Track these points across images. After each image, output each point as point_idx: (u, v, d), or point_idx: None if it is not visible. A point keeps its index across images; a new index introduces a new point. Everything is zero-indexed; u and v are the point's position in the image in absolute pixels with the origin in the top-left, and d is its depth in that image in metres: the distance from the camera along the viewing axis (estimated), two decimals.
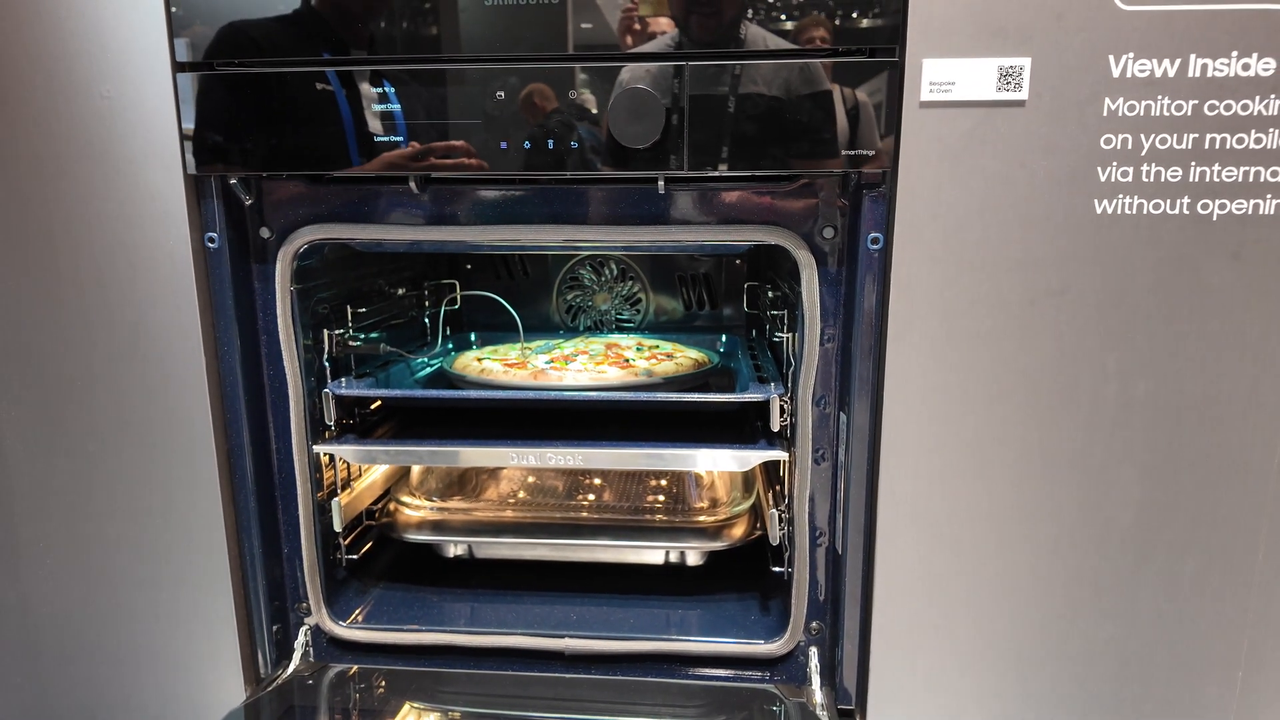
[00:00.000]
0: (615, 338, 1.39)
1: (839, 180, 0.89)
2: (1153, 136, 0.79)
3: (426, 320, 1.40)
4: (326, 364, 1.06)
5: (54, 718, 1.05)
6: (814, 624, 1.00)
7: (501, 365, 1.15)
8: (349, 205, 0.95)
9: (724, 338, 1.43)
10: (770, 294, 1.28)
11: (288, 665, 1.04)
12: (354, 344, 1.12)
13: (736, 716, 0.97)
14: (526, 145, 0.86)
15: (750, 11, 0.81)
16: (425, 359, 1.29)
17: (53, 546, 1.00)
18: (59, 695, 1.04)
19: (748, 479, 1.25)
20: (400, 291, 1.32)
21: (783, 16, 0.81)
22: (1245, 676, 0.91)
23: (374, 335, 1.19)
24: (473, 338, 1.46)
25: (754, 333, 1.44)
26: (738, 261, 1.46)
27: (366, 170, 0.88)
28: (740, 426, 1.10)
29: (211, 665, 1.02)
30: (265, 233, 0.96)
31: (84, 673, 1.03)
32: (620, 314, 1.50)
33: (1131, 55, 0.78)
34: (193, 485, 0.97)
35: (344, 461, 1.12)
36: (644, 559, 1.16)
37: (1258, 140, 0.79)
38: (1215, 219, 0.81)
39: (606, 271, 1.48)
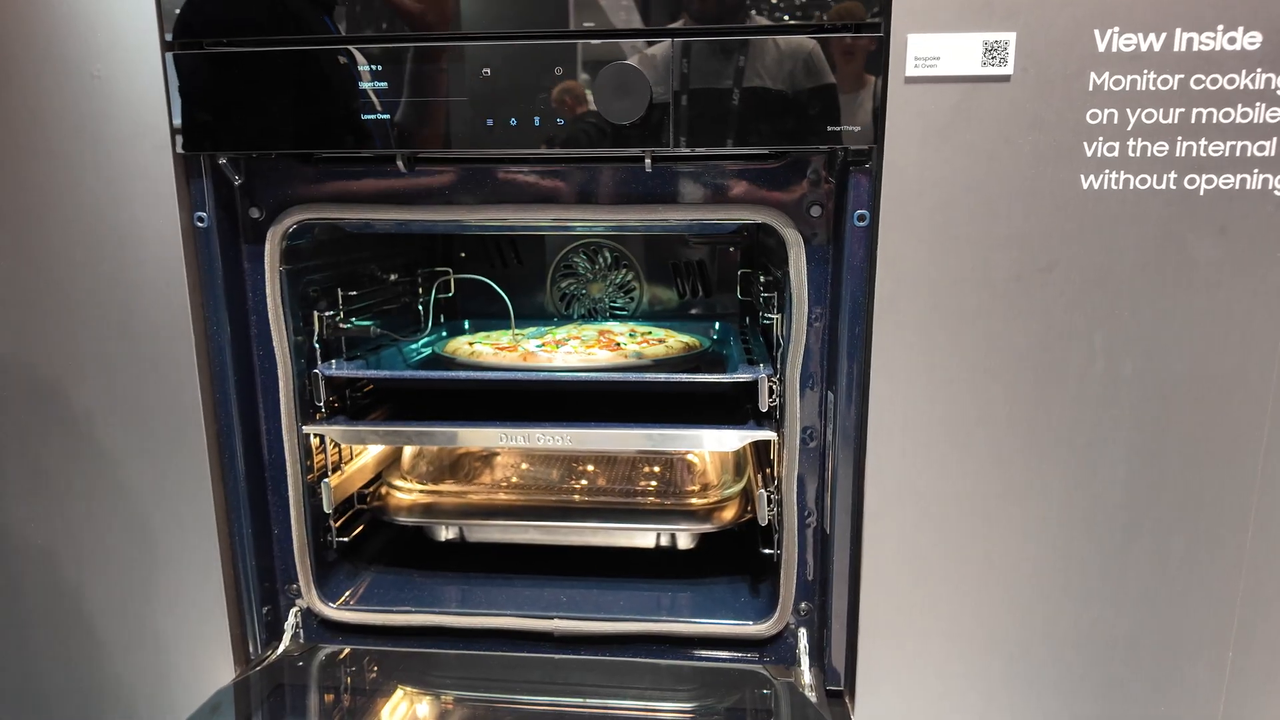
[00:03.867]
0: (608, 325, 1.39)
1: (825, 157, 0.89)
2: (1139, 111, 0.79)
3: (420, 307, 1.41)
4: (317, 346, 1.06)
5: (44, 697, 1.05)
6: (803, 605, 1.00)
7: (493, 349, 1.15)
8: (338, 185, 0.96)
9: (717, 325, 1.43)
10: (762, 279, 1.28)
11: (278, 646, 1.05)
12: (345, 327, 1.12)
13: (726, 697, 0.97)
14: (512, 123, 0.86)
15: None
16: (417, 345, 1.29)
17: (43, 527, 1.01)
18: (49, 675, 1.05)
19: (739, 463, 1.25)
20: (393, 277, 1.32)
21: None
22: (1235, 657, 0.90)
23: (365, 320, 1.19)
24: (466, 325, 1.46)
25: (747, 320, 1.44)
26: (730, 249, 1.46)
27: (354, 149, 0.89)
28: (730, 409, 1.10)
29: (202, 646, 1.02)
30: (255, 213, 0.97)
31: (74, 653, 1.04)
32: (614, 302, 1.50)
33: (1117, 29, 0.78)
34: (183, 466, 0.97)
35: (335, 443, 1.12)
36: (635, 542, 1.16)
37: (1244, 114, 0.79)
38: (1202, 194, 0.80)
39: (600, 259, 1.48)
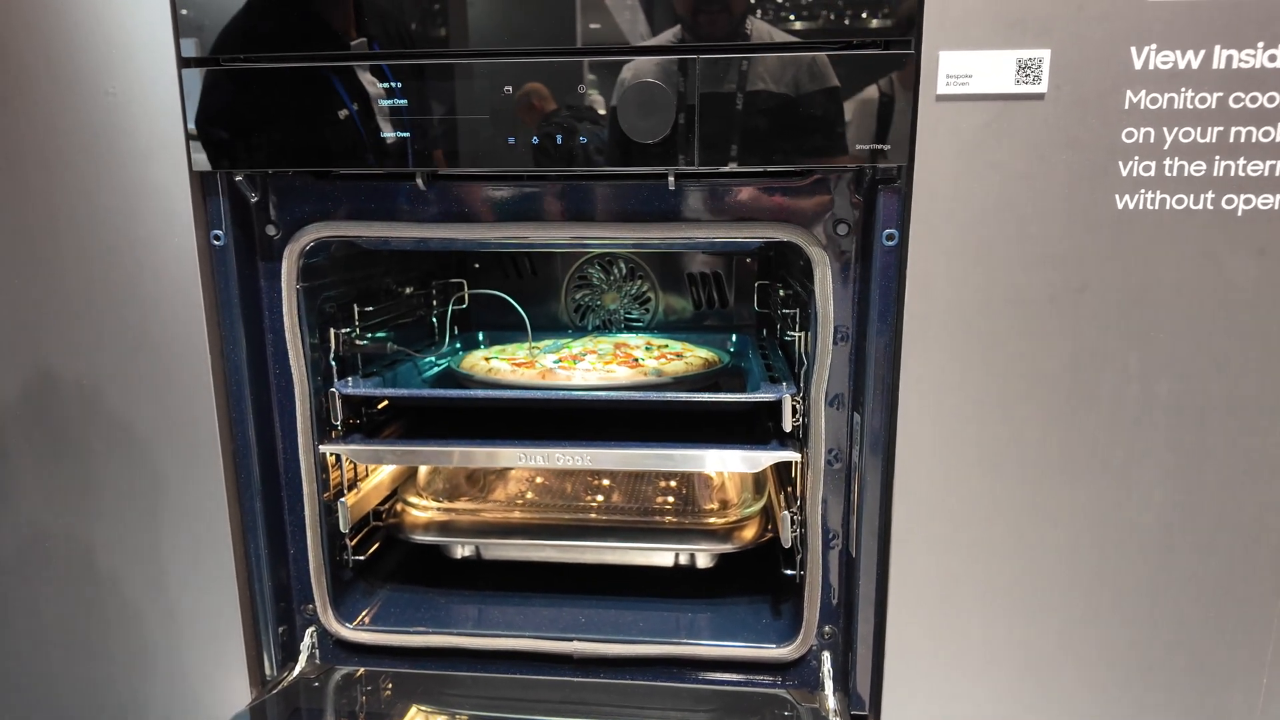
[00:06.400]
0: (624, 337, 1.37)
1: (853, 176, 0.88)
2: (1176, 130, 0.77)
3: (434, 320, 1.39)
4: (333, 363, 1.05)
5: (59, 719, 1.04)
6: (827, 628, 0.98)
7: (509, 365, 1.14)
8: (355, 202, 0.94)
9: (734, 337, 1.41)
10: (782, 292, 1.27)
11: (293, 667, 1.03)
12: (361, 343, 1.11)
13: None
14: (534, 141, 0.84)
15: (760, 10, 0.80)
16: (433, 359, 1.28)
17: (59, 546, 0.99)
18: (65, 695, 1.03)
19: (759, 480, 1.23)
20: (408, 290, 1.31)
21: (795, 10, 0.80)
22: (1270, 683, 0.89)
23: (381, 335, 1.18)
24: (480, 338, 1.45)
25: (765, 332, 1.43)
26: (748, 260, 1.44)
27: (373, 167, 0.87)
28: (751, 427, 1.08)
29: (217, 667, 1.01)
30: (271, 230, 0.95)
31: (89, 673, 1.02)
32: (629, 313, 1.48)
33: (1154, 46, 0.76)
34: (198, 485, 0.96)
35: (351, 462, 1.11)
36: (653, 561, 1.15)
37: None
38: (1240, 214, 0.79)
39: (615, 270, 1.47)
